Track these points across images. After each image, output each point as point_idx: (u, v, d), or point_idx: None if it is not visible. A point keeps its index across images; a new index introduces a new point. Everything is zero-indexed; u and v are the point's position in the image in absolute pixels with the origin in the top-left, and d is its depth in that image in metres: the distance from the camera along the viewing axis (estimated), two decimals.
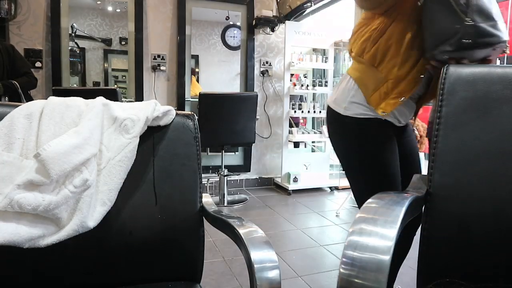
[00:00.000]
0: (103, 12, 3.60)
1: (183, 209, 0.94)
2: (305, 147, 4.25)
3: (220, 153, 3.40)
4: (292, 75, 3.90)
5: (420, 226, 0.91)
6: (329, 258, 2.25)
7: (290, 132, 3.82)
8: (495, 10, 1.02)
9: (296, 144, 4.27)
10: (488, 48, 1.05)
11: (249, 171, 3.99)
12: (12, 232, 0.73)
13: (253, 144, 3.57)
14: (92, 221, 0.81)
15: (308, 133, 3.91)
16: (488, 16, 1.00)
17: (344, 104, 1.22)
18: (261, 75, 3.97)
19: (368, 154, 1.22)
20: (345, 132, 1.25)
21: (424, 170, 1.25)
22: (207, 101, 3.08)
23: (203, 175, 1.08)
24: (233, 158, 3.95)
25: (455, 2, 1.01)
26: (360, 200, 1.27)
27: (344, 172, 1.34)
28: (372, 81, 1.17)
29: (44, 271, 0.84)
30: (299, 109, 3.83)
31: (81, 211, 0.79)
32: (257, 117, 3.30)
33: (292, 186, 3.74)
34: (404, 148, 1.30)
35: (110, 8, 3.63)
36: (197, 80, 3.93)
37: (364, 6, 1.20)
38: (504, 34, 1.02)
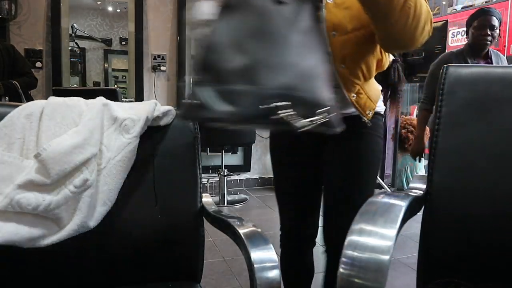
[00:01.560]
0: (103, 12, 3.61)
1: (183, 209, 0.94)
2: None
3: (220, 153, 3.40)
4: None
5: (420, 226, 0.91)
6: None
7: None
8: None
9: None
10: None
11: (249, 171, 3.98)
12: (13, 232, 0.73)
13: (253, 144, 3.56)
14: (92, 221, 0.81)
15: None
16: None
17: None
18: None
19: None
20: None
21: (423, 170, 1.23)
22: None
23: (203, 175, 1.08)
24: (233, 158, 3.94)
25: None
26: None
27: None
28: None
29: (44, 271, 0.84)
30: None
31: (81, 211, 0.79)
32: None
33: None
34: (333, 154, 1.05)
35: (110, 8, 3.64)
36: None
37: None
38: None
